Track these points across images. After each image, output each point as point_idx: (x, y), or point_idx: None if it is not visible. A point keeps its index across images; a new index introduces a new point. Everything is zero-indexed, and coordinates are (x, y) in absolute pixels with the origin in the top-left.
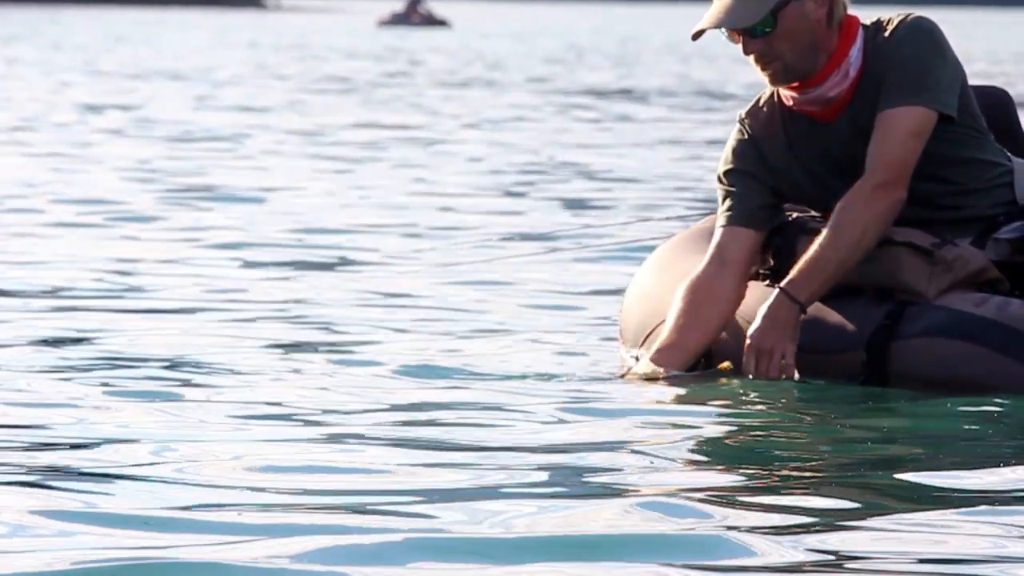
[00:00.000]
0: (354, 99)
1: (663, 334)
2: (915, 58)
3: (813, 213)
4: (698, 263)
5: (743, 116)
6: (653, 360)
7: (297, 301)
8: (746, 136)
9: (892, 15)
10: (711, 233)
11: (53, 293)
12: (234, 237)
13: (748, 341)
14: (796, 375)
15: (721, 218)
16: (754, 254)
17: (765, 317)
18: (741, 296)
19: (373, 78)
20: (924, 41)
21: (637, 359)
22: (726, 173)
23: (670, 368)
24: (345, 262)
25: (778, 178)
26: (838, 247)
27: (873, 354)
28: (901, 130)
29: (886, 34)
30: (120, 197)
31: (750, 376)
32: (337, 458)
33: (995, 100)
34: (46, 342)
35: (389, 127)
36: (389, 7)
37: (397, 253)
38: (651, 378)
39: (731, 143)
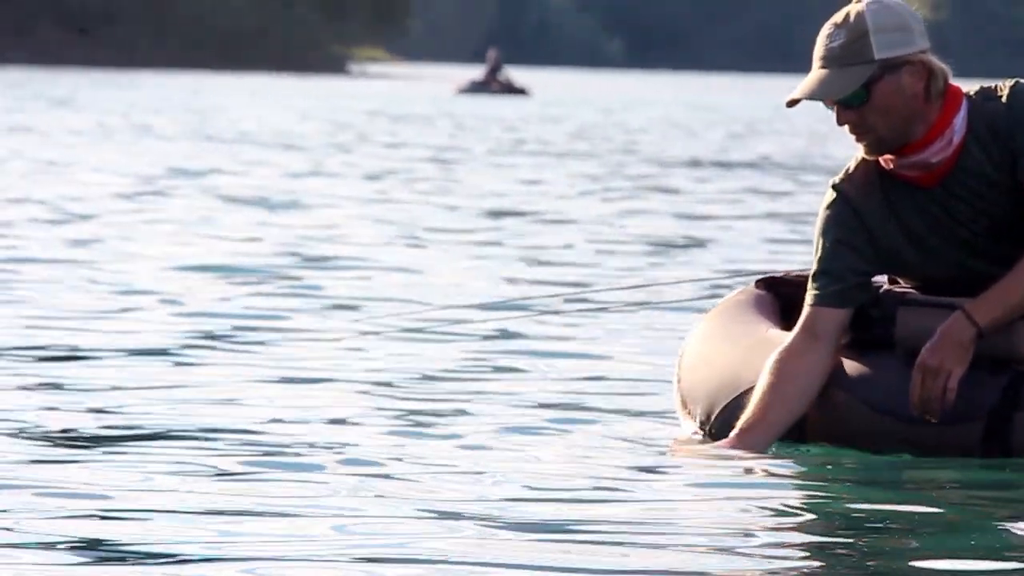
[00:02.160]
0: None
1: (748, 411)
2: None
3: (903, 288)
4: (762, 329)
5: (837, 182)
6: (737, 439)
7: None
8: (843, 202)
9: (996, 83)
10: (765, 298)
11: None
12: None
13: (918, 359)
14: (951, 398)
15: (811, 293)
16: (844, 330)
17: (940, 335)
18: (828, 372)
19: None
20: None
21: (712, 433)
22: (822, 244)
23: (753, 449)
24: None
25: (878, 243)
26: None
27: (994, 425)
28: None
29: (1002, 99)
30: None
31: (915, 395)
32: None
33: None
34: None
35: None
36: (468, 75)
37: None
38: (732, 456)
39: (827, 211)
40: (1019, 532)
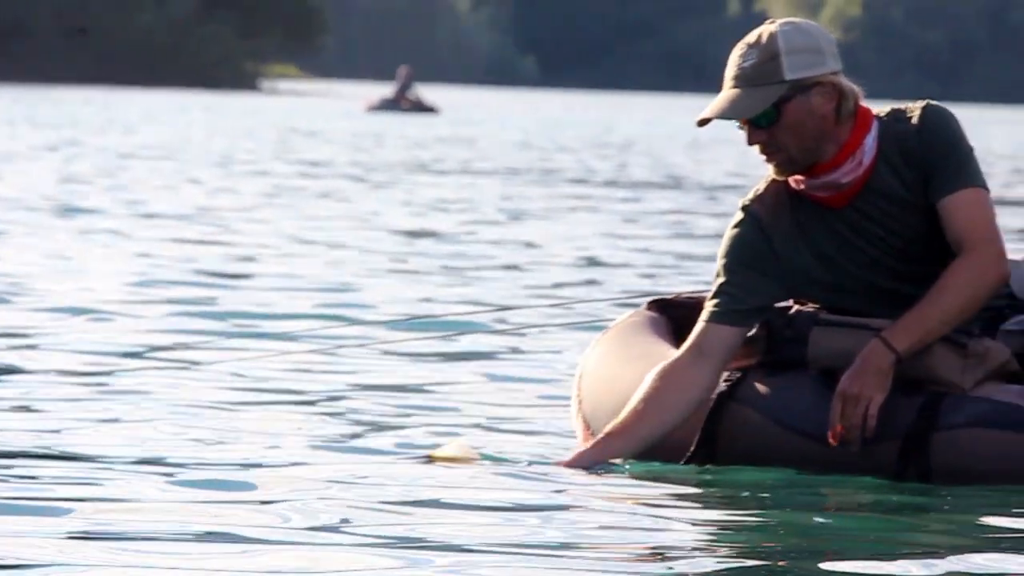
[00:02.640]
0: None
1: (620, 417)
2: (954, 145)
3: (815, 309)
4: (661, 350)
5: (747, 202)
6: (603, 444)
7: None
8: (752, 222)
9: (907, 104)
10: (659, 319)
11: None
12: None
13: (838, 387)
14: (872, 427)
15: (707, 310)
16: (733, 352)
17: (858, 364)
18: (711, 389)
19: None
20: (953, 127)
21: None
22: (726, 264)
23: (616, 456)
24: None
25: (786, 265)
26: (945, 308)
27: (911, 445)
28: (979, 209)
29: (912, 121)
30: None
31: (834, 423)
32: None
33: None
34: None
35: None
36: (379, 92)
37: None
38: (593, 466)
39: (734, 231)
40: (931, 551)
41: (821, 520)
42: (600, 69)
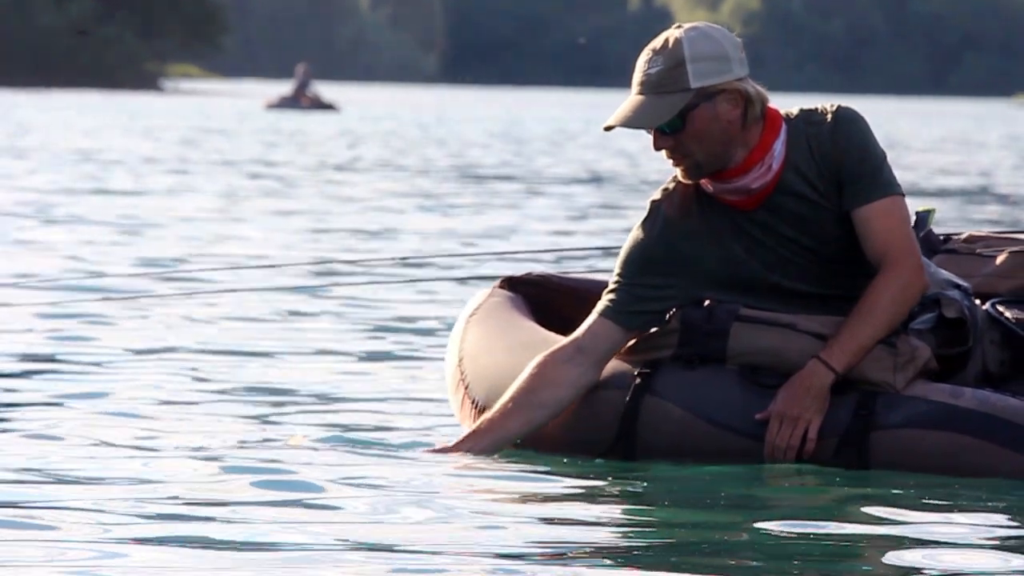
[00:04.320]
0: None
1: (491, 411)
2: (868, 152)
3: (735, 305)
4: (537, 331)
5: (656, 199)
6: (466, 442)
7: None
8: (660, 221)
9: (817, 105)
10: (518, 299)
11: None
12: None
13: (774, 405)
14: (811, 449)
15: (601, 305)
16: (616, 350)
17: (797, 384)
18: (587, 388)
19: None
20: (866, 132)
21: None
22: (626, 263)
23: (482, 452)
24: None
25: (691, 264)
26: (875, 324)
27: (848, 444)
28: (897, 219)
29: (824, 125)
30: None
31: (772, 444)
32: None
33: None
34: None
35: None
36: (278, 91)
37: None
38: (463, 459)
39: (641, 228)
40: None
41: (745, 511)
42: (501, 66)
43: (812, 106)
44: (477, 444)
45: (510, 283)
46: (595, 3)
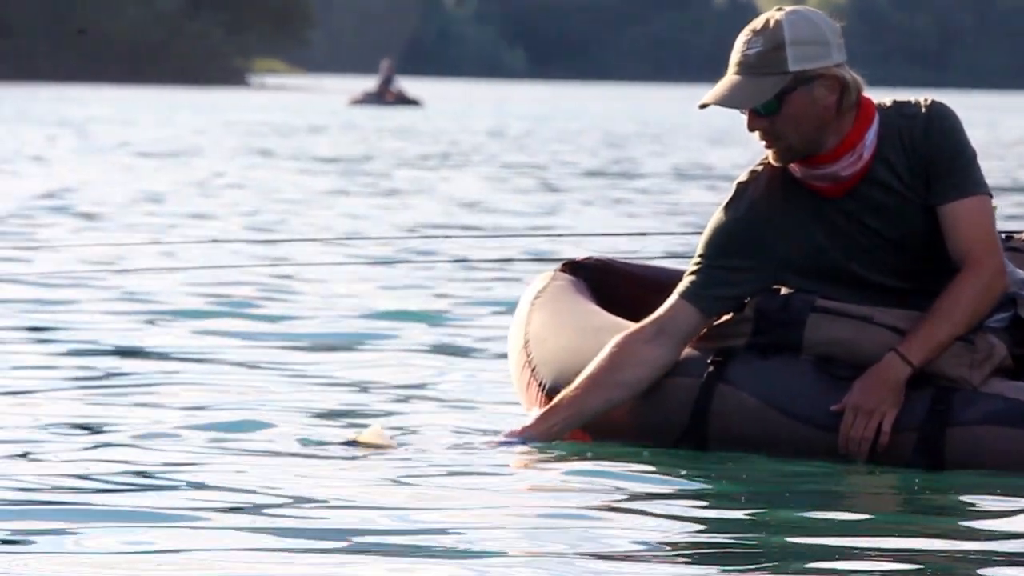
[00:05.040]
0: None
1: (568, 389)
2: (960, 149)
3: (811, 295)
4: (602, 314)
5: (743, 182)
6: (544, 418)
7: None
8: (745, 202)
9: (910, 98)
10: (580, 283)
11: None
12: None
13: (850, 397)
14: (886, 441)
15: (682, 287)
16: (695, 333)
17: (873, 376)
18: (666, 368)
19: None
20: (959, 129)
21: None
22: (708, 242)
23: (559, 428)
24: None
25: (771, 250)
26: (955, 321)
27: (924, 440)
28: (983, 218)
29: (918, 119)
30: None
31: (846, 436)
32: None
33: None
34: None
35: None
36: (363, 86)
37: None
38: (539, 438)
39: (726, 210)
40: (950, 544)
41: (825, 511)
42: (587, 60)
43: (905, 99)
44: (554, 420)
45: (571, 267)
46: None
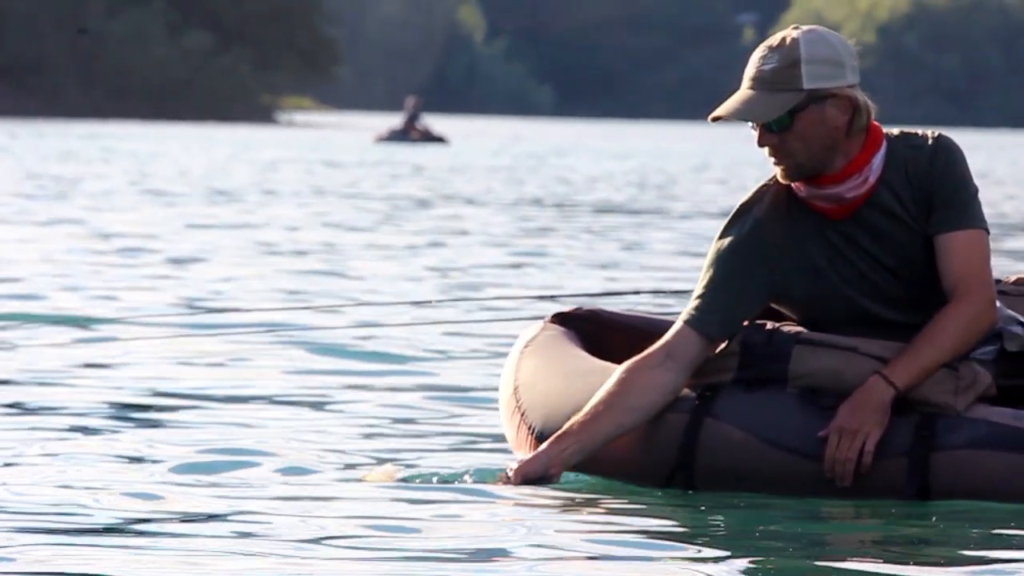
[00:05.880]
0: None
1: (577, 416)
2: (962, 182)
3: (795, 327)
4: (595, 361)
5: (746, 202)
6: (554, 445)
7: None
8: (749, 222)
9: (918, 131)
10: (570, 332)
11: None
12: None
13: (834, 420)
14: (869, 463)
15: (687, 312)
16: (702, 357)
17: (857, 398)
18: (674, 394)
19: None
20: (963, 163)
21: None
22: (716, 266)
23: (569, 455)
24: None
25: (772, 270)
26: (940, 348)
27: (909, 466)
28: (978, 252)
29: (924, 150)
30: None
31: (831, 458)
32: None
33: None
34: None
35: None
36: (390, 123)
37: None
38: (548, 467)
39: (729, 231)
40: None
41: (817, 544)
42: (616, 98)
43: (913, 130)
44: (566, 445)
45: (561, 318)
46: (709, 36)
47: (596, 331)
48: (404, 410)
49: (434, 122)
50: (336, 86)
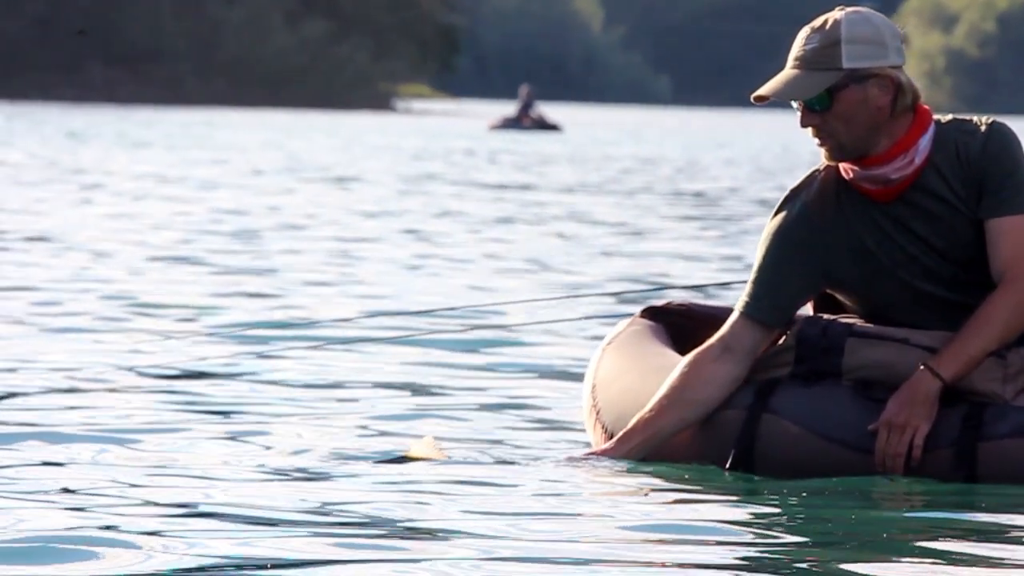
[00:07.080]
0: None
1: (641, 413)
2: (1016, 168)
3: (850, 319)
4: (674, 358)
5: (795, 187)
6: (621, 441)
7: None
8: (798, 207)
9: (971, 117)
10: (658, 327)
11: None
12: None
13: (883, 415)
14: (918, 455)
15: (741, 303)
16: (761, 348)
17: (905, 392)
18: (735, 384)
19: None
20: (1017, 149)
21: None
22: (768, 253)
23: (636, 450)
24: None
25: (822, 253)
26: (988, 338)
27: (957, 456)
28: None
29: (977, 135)
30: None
31: (881, 452)
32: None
33: None
34: None
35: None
36: (505, 111)
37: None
38: (616, 462)
39: (777, 218)
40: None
41: (868, 522)
42: (734, 87)
43: (966, 116)
44: (633, 442)
45: (651, 312)
46: None
47: (689, 325)
48: (502, 397)
49: (550, 110)
50: (453, 74)
